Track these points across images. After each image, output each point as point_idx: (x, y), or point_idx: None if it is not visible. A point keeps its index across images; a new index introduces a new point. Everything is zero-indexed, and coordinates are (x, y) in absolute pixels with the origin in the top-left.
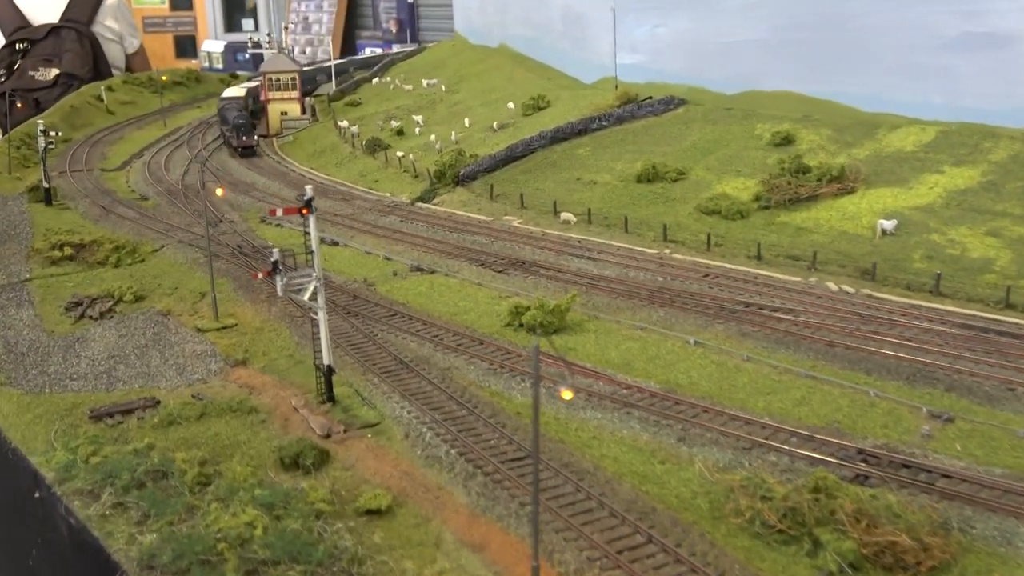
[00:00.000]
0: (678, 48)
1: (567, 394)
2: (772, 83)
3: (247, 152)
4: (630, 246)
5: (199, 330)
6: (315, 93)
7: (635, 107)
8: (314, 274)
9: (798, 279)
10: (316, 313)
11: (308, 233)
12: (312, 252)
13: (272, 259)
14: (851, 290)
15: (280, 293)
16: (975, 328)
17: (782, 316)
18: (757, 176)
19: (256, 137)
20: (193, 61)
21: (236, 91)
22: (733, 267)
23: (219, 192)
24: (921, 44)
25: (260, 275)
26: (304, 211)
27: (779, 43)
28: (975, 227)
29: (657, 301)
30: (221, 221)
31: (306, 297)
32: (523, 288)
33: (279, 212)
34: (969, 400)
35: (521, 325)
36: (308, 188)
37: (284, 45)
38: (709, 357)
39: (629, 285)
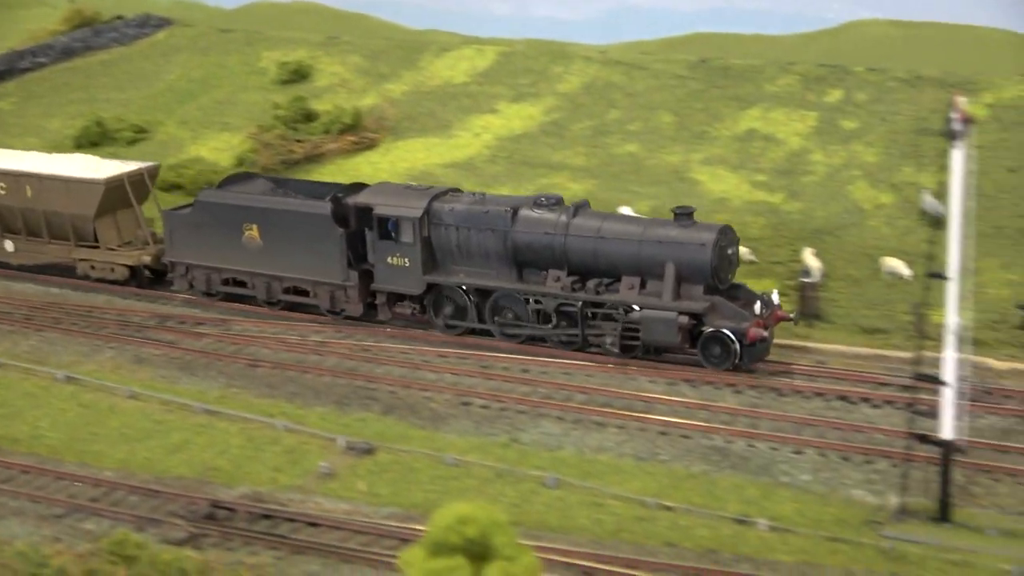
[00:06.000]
0: None
1: None
2: None
3: None
4: None
5: None
6: None
7: (92, 33)
8: None
9: None
10: None
11: None
12: None
13: None
14: None
15: None
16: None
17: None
18: (252, 128)
19: None
20: None
21: None
22: None
23: None
24: None
25: None
26: None
27: None
28: (521, 185)
29: (34, 324)
30: None
31: None
32: None
33: None
34: (409, 423)
35: None
36: None
37: None
38: (80, 397)
39: None
